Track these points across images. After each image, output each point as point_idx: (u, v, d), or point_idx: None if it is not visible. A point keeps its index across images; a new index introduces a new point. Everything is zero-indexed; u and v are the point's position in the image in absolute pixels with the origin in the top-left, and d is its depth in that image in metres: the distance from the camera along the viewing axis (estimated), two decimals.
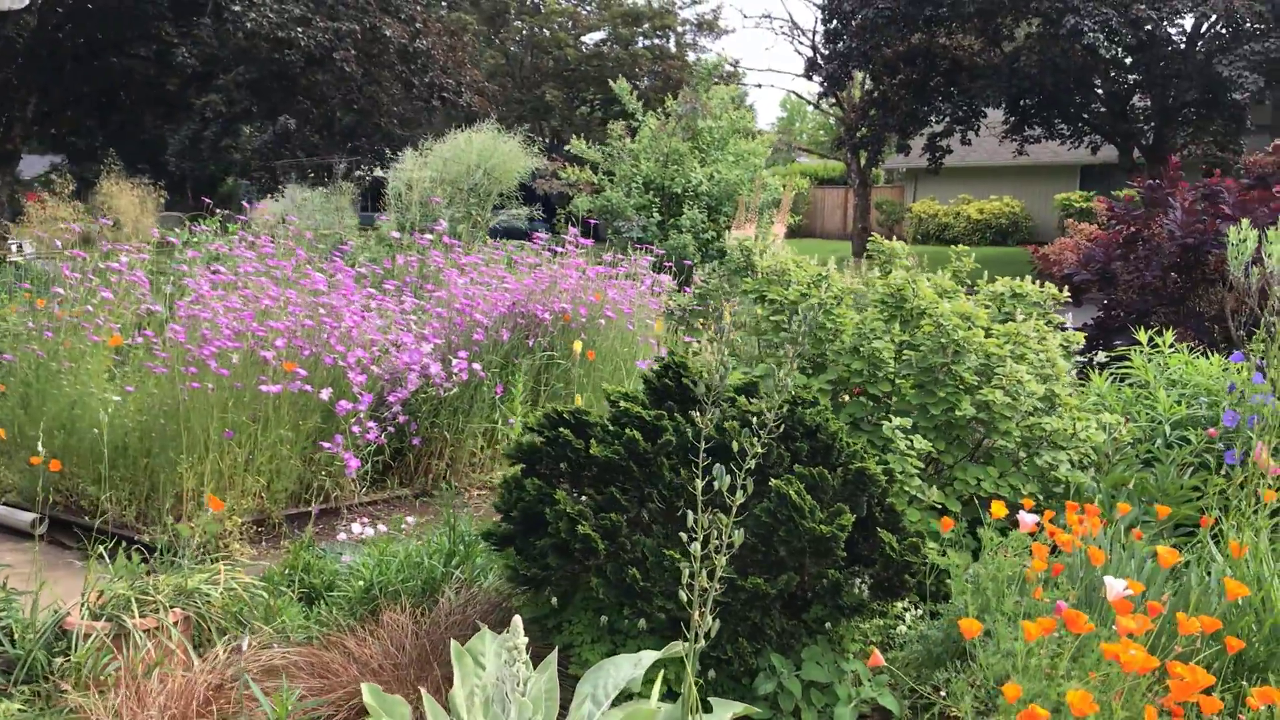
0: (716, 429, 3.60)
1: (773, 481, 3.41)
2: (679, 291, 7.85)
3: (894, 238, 5.76)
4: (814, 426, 3.64)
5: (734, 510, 2.74)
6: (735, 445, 3.57)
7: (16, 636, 4.05)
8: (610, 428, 3.68)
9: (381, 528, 5.32)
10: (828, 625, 3.76)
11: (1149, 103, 27.32)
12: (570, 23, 40.73)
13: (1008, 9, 25.37)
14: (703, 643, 2.76)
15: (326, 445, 5.80)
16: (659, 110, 11.75)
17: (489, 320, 6.43)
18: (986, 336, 4.38)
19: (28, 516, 6.00)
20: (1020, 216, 37.63)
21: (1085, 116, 27.84)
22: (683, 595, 2.78)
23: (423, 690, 2.95)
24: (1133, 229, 7.27)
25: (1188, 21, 23.33)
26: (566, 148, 11.86)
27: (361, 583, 4.43)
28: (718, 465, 2.70)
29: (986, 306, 4.69)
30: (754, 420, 3.46)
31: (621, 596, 3.50)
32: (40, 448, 4.80)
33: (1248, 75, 21.05)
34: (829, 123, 43.09)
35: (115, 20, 19.45)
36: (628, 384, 7.32)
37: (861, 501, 3.66)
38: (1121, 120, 28.04)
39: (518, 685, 2.77)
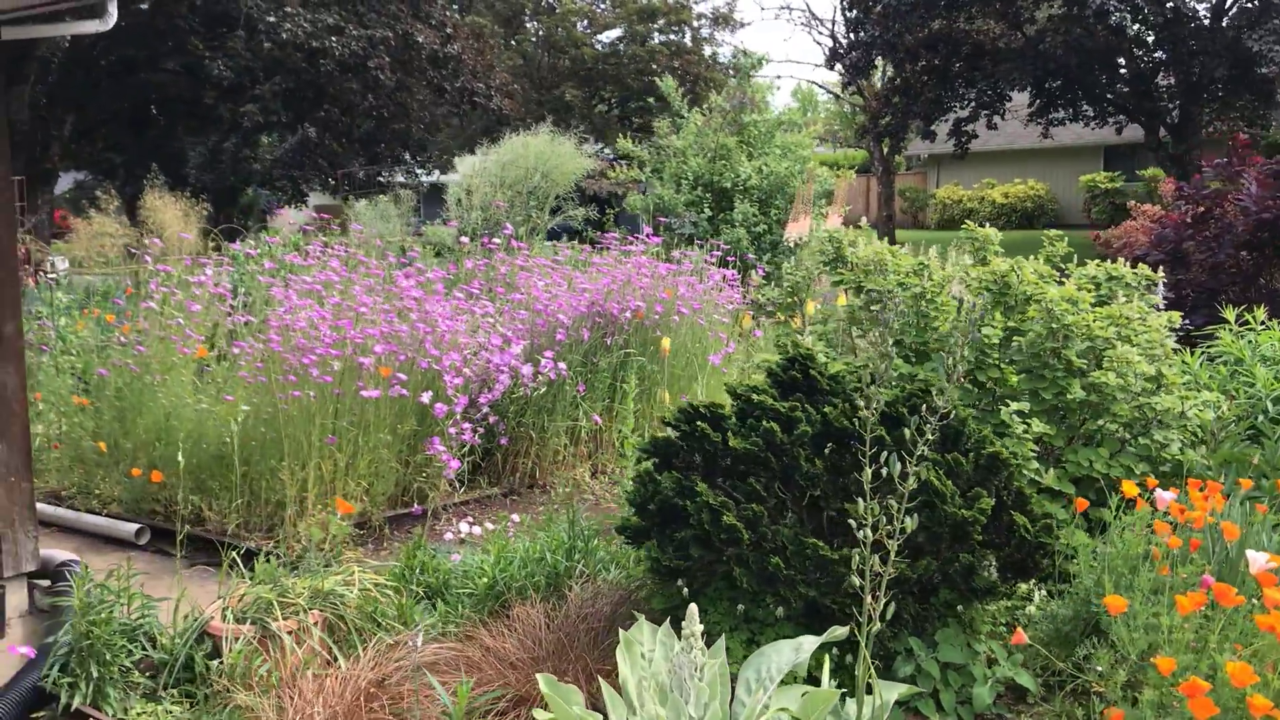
0: (849, 418, 3.68)
1: (911, 468, 3.48)
2: (743, 284, 7.93)
3: (919, 223, 5.82)
4: (938, 413, 3.71)
5: (905, 497, 2.82)
6: (870, 434, 3.66)
7: (163, 641, 4.16)
8: (738, 421, 3.77)
9: (489, 525, 5.42)
10: (959, 608, 3.84)
11: (1173, 80, 27.23)
12: (586, 22, 40.79)
13: None
14: (878, 625, 2.84)
15: (429, 448, 5.90)
16: (703, 106, 11.82)
17: (570, 320, 6.52)
18: (1093, 320, 4.45)
19: (131, 527, 6.12)
20: (1045, 199, 37.54)
21: (1110, 96, 27.75)
22: (854, 580, 2.86)
23: (601, 681, 3.04)
24: (1201, 209, 7.31)
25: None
26: (603, 149, 11.88)
27: (485, 579, 4.52)
28: (890, 454, 2.77)
29: (1086, 290, 4.75)
30: (884, 411, 3.55)
31: (763, 584, 3.59)
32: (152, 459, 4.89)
33: (1278, 49, 20.96)
34: (843, 111, 43.04)
35: (148, 37, 19.61)
36: (701, 379, 7.41)
37: (992, 485, 3.73)
38: (1146, 99, 27.93)
39: (696, 671, 2.86)
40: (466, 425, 5.87)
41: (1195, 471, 4.46)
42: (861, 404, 3.72)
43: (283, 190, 31.70)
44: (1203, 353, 5.39)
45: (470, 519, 5.83)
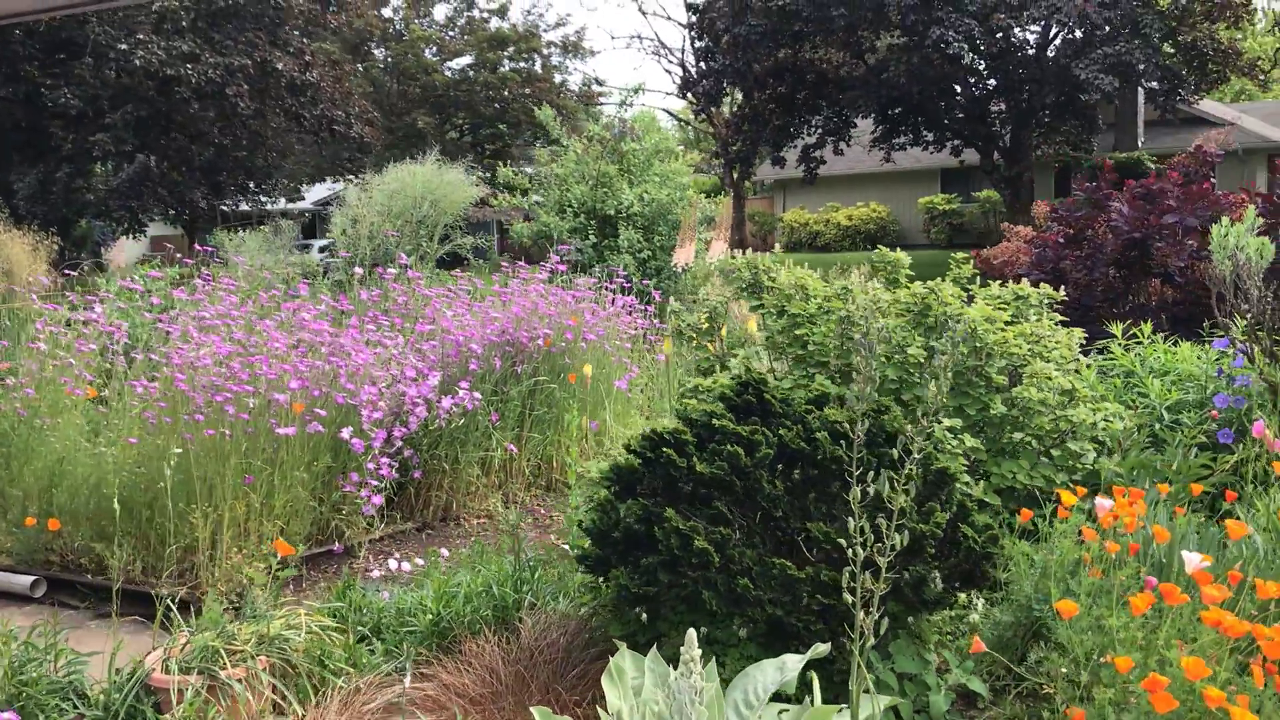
0: (805, 440, 3.79)
1: (874, 486, 3.61)
2: (642, 311, 8.03)
3: (770, 246, 6.04)
4: (893, 432, 3.86)
5: (895, 514, 2.93)
6: (827, 454, 3.78)
7: (97, 697, 3.99)
8: (696, 446, 3.83)
9: (419, 561, 5.36)
10: (909, 620, 3.99)
11: (1004, 107, 28.61)
12: (435, 48, 40.57)
13: (870, 23, 26.32)
14: (873, 639, 2.93)
15: (345, 485, 5.79)
16: (582, 134, 11.91)
17: (481, 350, 6.50)
18: (1011, 338, 4.67)
19: (25, 579, 5.83)
20: (888, 221, 38.92)
21: (948, 122, 29.00)
22: (846, 597, 2.95)
23: (600, 710, 3.06)
24: (1071, 230, 7.75)
25: (1044, 28, 24.53)
26: (482, 177, 11.86)
27: (429, 616, 4.47)
28: (883, 473, 2.88)
29: (1000, 309, 4.99)
30: (839, 430, 3.67)
31: (731, 606, 3.66)
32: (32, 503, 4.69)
33: (1103, 77, 22.27)
34: (687, 137, 43.82)
35: None
36: (608, 404, 7.46)
37: (938, 499, 3.89)
38: (981, 124, 29.31)
39: (696, 695, 2.91)
40: (384, 460, 5.79)
41: (1107, 479, 4.73)
42: (816, 425, 3.84)
43: (120, 221, 30.50)
44: (1092, 366, 5.71)
45: (397, 555, 5.75)
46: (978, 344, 4.57)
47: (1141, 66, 22.66)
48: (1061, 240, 7.78)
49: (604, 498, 3.88)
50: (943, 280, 5.36)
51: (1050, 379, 4.55)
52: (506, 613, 4.43)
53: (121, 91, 17.92)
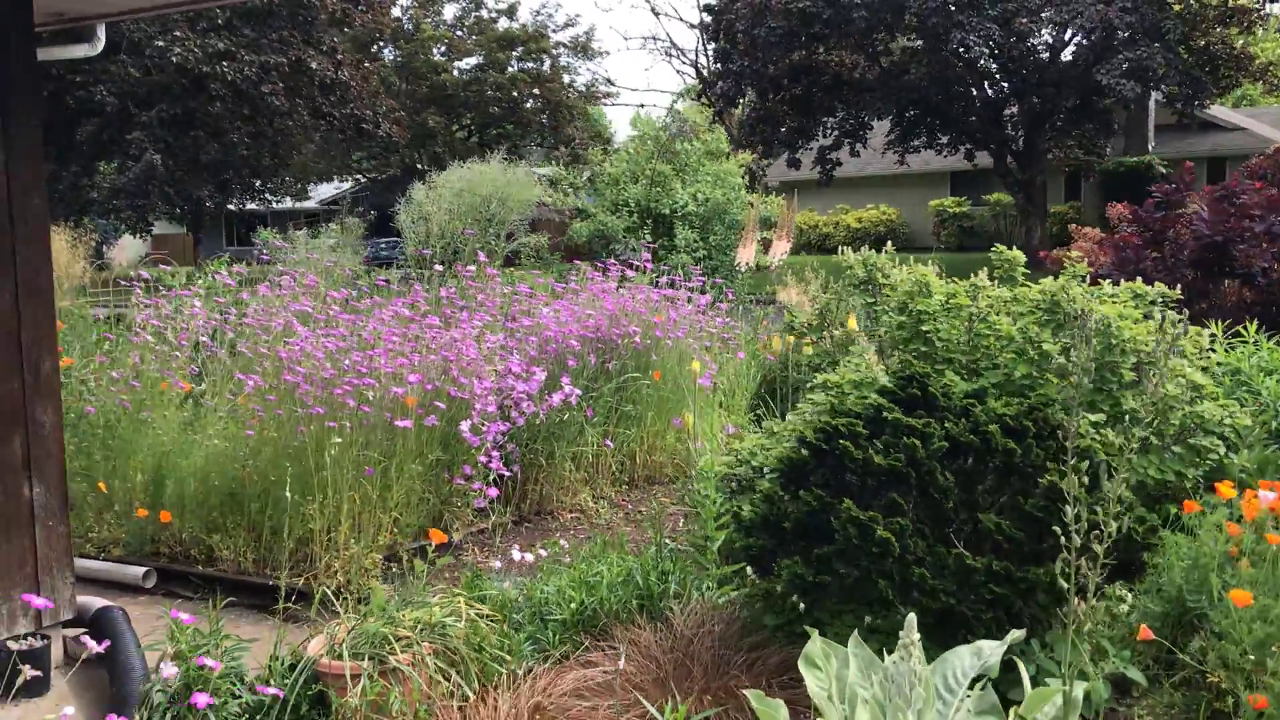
0: (973, 432, 3.86)
1: (1046, 478, 3.68)
2: (716, 309, 8.09)
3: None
4: (1055, 425, 3.93)
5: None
6: (997, 446, 3.85)
7: (270, 681, 4.04)
8: (865, 439, 3.90)
9: (542, 552, 5.41)
10: (1063, 609, 4.06)
11: (1017, 111, 28.76)
12: (444, 47, 40.58)
13: (889, 25, 26.47)
14: (1089, 626, 3.00)
15: (455, 478, 5.86)
16: (636, 133, 11.98)
17: (580, 346, 6.57)
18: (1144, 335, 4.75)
19: (137, 570, 5.88)
20: (897, 223, 39.04)
21: (963, 125, 29.14)
22: (1062, 584, 3.02)
23: (813, 688, 3.12)
24: (1149, 232, 7.85)
25: (1066, 33, 24.66)
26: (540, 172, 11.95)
27: (573, 604, 4.53)
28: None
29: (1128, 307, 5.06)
30: (1009, 424, 3.74)
31: (904, 595, 3.72)
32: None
33: (1125, 82, 22.40)
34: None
35: None
36: (690, 401, 7.53)
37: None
38: (995, 128, 29.47)
39: (915, 678, 2.98)
40: (496, 454, 5.85)
41: (1231, 474, 4.80)
42: (983, 418, 3.90)
43: (126, 220, 30.50)
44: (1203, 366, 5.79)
45: (518, 546, 5.80)
46: (1111, 340, 4.65)
47: (1162, 71, 22.79)
48: (1139, 242, 7.88)
49: (767, 489, 3.94)
50: (991, 280, 5.45)
51: (1185, 375, 4.63)
52: (652, 601, 4.49)
53: (155, 89, 17.93)
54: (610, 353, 6.95)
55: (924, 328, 5.14)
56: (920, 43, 28.72)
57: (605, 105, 54.47)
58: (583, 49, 41.63)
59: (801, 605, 4.07)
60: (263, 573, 5.76)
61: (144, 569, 5.87)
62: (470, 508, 6.02)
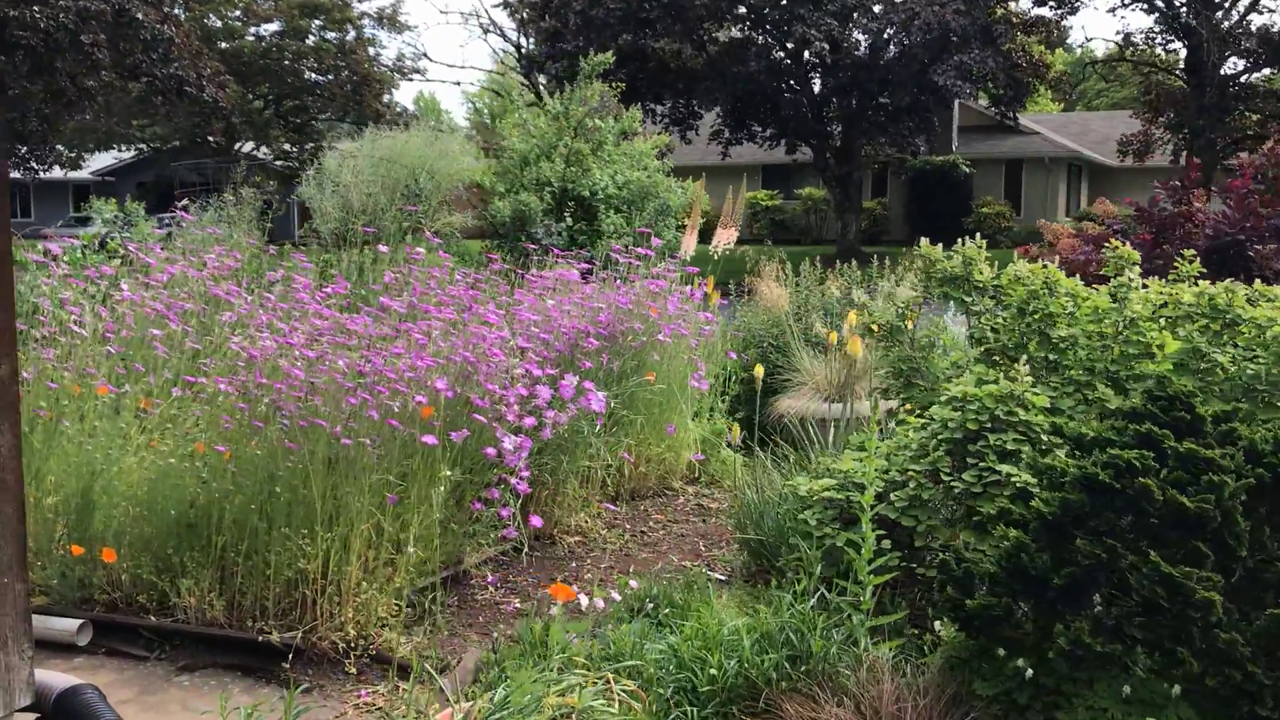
0: (1252, 460, 3.24)
1: None
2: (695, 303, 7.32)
3: None
4: None
5: None
6: None
7: None
8: (1136, 474, 3.23)
9: (615, 595, 4.51)
10: None
11: (838, 106, 29.04)
12: (240, 11, 37.96)
13: (720, 14, 26.22)
14: None
15: (475, 503, 4.89)
16: (544, 107, 10.93)
17: (596, 345, 5.66)
18: None
19: (68, 624, 4.63)
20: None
21: (790, 119, 29.22)
22: None
23: None
24: (1154, 229, 7.56)
25: (903, 34, 24.89)
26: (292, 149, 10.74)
27: (712, 670, 3.69)
28: None
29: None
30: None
31: (1214, 664, 3.07)
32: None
33: (959, 83, 22.80)
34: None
35: None
36: (682, 404, 6.74)
37: None
38: (819, 123, 29.73)
39: None
40: (526, 472, 4.91)
41: None
42: (1267, 448, 3.30)
43: None
44: None
45: (539, 581, 4.87)
46: None
47: (991, 74, 23.33)
48: (1149, 239, 7.60)
49: (1016, 538, 3.21)
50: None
51: None
52: (811, 664, 3.69)
53: None
54: (612, 351, 6.07)
55: (1055, 333, 4.52)
56: (748, 34, 28.63)
57: (416, 81, 52.35)
58: (390, 21, 39.79)
59: (1028, 671, 3.37)
60: (239, 623, 4.64)
61: (77, 622, 4.62)
62: (492, 537, 5.06)
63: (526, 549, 5.64)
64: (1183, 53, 30.51)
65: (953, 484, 4.17)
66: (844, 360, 7.65)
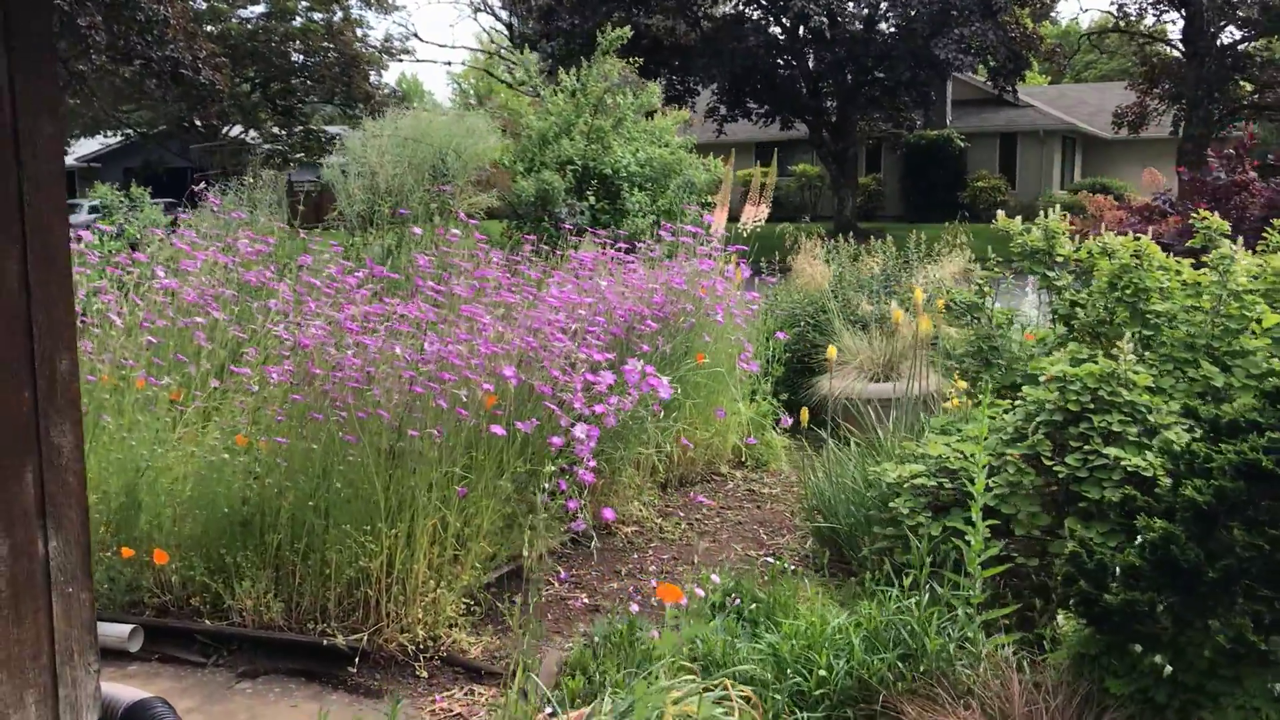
0: None
1: None
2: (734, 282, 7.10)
3: None
4: None
5: None
6: None
7: None
8: None
9: (699, 590, 4.30)
10: None
11: (835, 82, 28.74)
12: None
13: None
14: None
15: (542, 496, 4.66)
16: (556, 85, 10.63)
17: (656, 327, 5.44)
18: None
19: (119, 629, 4.41)
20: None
21: (786, 95, 28.92)
22: None
23: None
24: (1207, 199, 7.39)
25: (902, 7, 24.58)
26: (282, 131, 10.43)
27: (821, 672, 3.49)
28: None
29: None
30: None
31: None
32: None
33: (961, 56, 22.55)
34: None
35: None
36: (732, 386, 6.54)
37: None
38: (815, 99, 29.45)
39: None
40: (593, 462, 4.69)
41: None
42: None
43: None
44: None
45: (605, 574, 4.67)
46: None
47: (993, 46, 23.10)
48: (1209, 208, 7.42)
49: (1163, 529, 3.01)
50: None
51: None
52: (925, 662, 3.50)
53: None
54: (664, 333, 5.86)
55: (1149, 308, 4.32)
56: (742, 9, 28.30)
57: (405, 61, 51.88)
58: (378, 1, 39.25)
59: (1167, 668, 3.18)
60: (299, 625, 4.42)
61: (128, 627, 4.41)
62: (556, 528, 4.84)
63: (584, 541, 5.44)
64: (1179, 23, 30.29)
65: (1056, 468, 3.98)
66: (888, 339, 7.45)
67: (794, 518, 5.86)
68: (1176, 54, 30.80)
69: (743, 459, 6.87)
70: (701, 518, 6.00)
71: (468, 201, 8.25)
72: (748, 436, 6.48)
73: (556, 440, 4.64)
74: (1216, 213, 7.51)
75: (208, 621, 4.50)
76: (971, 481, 4.18)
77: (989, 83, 31.70)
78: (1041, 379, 4.14)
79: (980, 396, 4.80)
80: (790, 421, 6.28)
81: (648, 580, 4.94)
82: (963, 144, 34.59)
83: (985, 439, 4.26)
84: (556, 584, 4.95)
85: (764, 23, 26.26)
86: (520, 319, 4.73)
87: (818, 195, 37.14)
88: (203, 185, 7.74)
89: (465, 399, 4.24)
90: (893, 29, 25.81)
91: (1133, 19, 33.12)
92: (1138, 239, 4.53)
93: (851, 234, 10.16)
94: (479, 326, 4.55)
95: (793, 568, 5.05)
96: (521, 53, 28.96)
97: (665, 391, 5.03)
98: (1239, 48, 28.26)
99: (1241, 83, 29.29)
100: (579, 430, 4.35)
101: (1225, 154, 7.89)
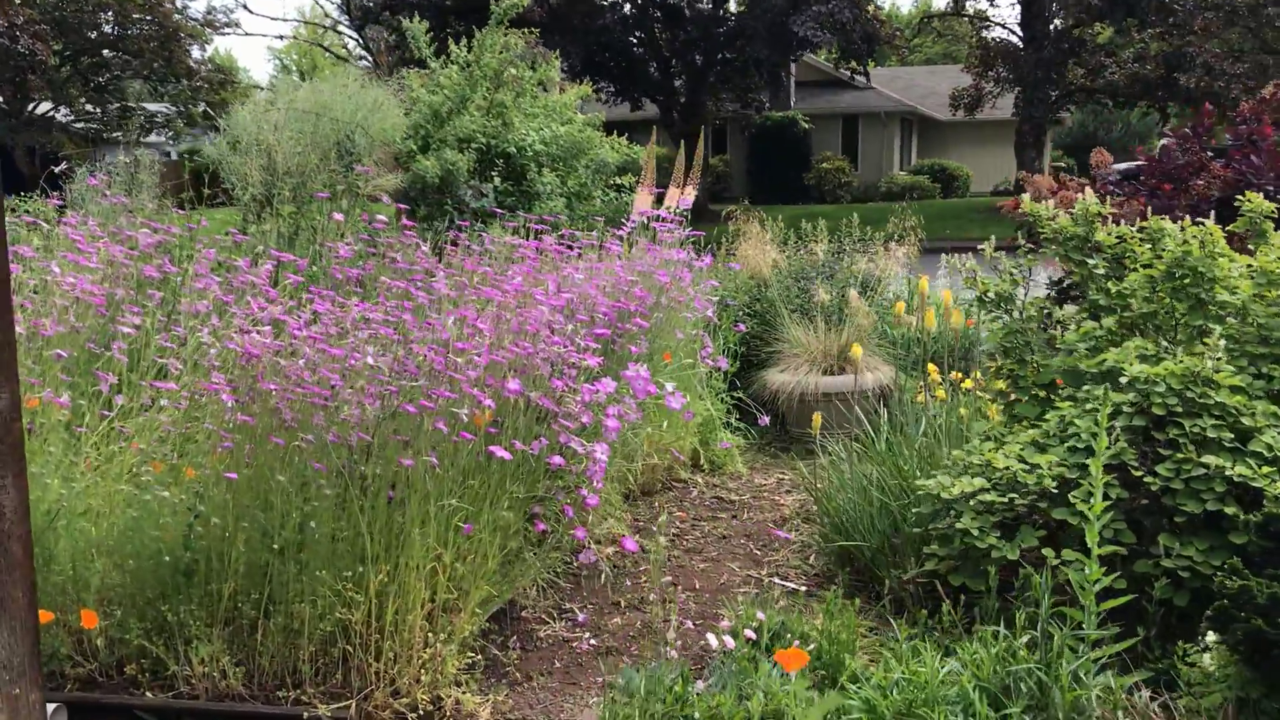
0: None
1: None
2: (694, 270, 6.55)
3: None
4: None
5: None
6: None
7: None
8: None
9: (749, 633, 3.75)
10: None
11: (683, 62, 28.44)
12: None
13: None
14: None
15: (540, 525, 4.04)
16: (446, 57, 9.77)
17: (647, 324, 4.85)
18: None
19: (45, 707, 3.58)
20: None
21: (639, 75, 28.49)
22: None
23: None
24: (1168, 180, 7.20)
25: None
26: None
27: None
28: None
29: None
30: None
31: None
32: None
33: (821, 34, 22.48)
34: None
35: None
36: (695, 384, 6.00)
37: None
38: (667, 79, 29.15)
39: None
40: (601, 485, 4.09)
41: None
42: None
43: None
44: None
45: (662, 603, 4.09)
46: None
47: (848, 24, 23.13)
48: (1170, 189, 7.22)
49: None
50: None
51: None
52: (1054, 713, 3.04)
53: None
54: (647, 332, 5.28)
55: (1215, 298, 3.98)
56: None
57: (230, 34, 49.46)
58: None
59: None
60: (266, 694, 3.69)
61: (51, 705, 3.59)
62: (553, 558, 4.22)
63: (582, 570, 4.81)
64: (1017, 8, 31.12)
65: (1145, 479, 3.58)
66: (836, 331, 7.05)
67: (780, 528, 5.38)
68: (1014, 38, 31.65)
69: (699, 463, 6.34)
70: (679, 533, 5.45)
71: (371, 183, 7.45)
72: (721, 441, 5.96)
73: (557, 460, 4.02)
74: (1182, 194, 7.47)
75: (149, 694, 3.71)
76: (1050, 498, 3.76)
77: (836, 64, 31.98)
78: (1122, 379, 3.74)
79: (1018, 398, 4.40)
80: (766, 421, 5.79)
81: (655, 612, 4.36)
82: (808, 125, 34.80)
83: (1032, 443, 3.85)
84: (551, 622, 4.33)
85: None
86: (511, 320, 4.07)
87: (667, 176, 36.90)
88: (64, 166, 6.75)
89: (465, 418, 3.58)
90: (743, 8, 25.62)
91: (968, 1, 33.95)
92: (1199, 224, 4.18)
93: (702, 216, 9.77)
94: (467, 331, 3.87)
95: (795, 586, 4.57)
96: (360, 30, 27.69)
97: (678, 403, 4.46)
98: (1073, 32, 29.15)
99: (1075, 66, 30.29)
100: (599, 450, 3.73)
101: (1182, 133, 7.79)
